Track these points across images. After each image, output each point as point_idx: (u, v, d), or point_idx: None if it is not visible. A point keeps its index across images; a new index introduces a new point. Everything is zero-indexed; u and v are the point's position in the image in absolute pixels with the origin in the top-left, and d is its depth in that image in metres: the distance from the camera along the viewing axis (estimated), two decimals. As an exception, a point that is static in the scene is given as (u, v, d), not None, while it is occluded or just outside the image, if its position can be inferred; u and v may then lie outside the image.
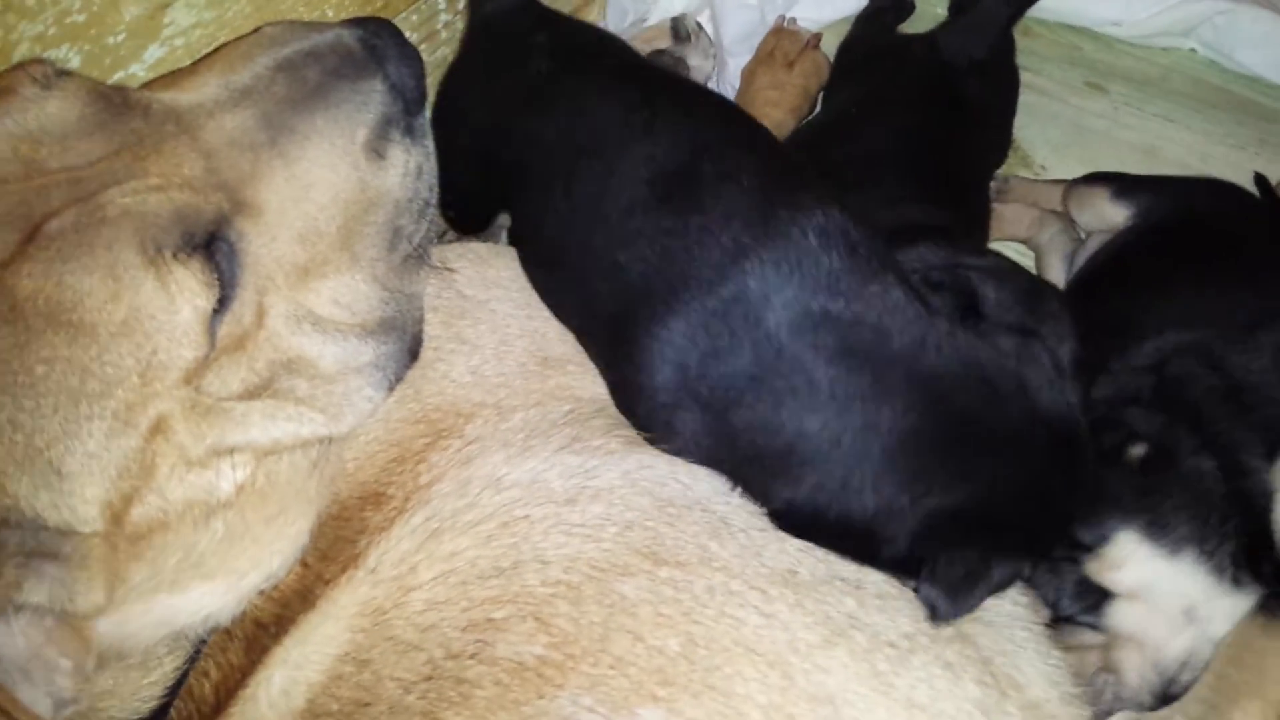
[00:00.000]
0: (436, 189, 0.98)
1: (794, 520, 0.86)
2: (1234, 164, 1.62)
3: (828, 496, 0.84)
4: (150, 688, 0.87)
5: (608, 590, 0.82)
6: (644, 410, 0.90)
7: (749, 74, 1.59)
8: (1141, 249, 1.26)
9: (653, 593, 0.81)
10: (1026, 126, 1.67)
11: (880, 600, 0.86)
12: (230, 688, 0.86)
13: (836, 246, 0.87)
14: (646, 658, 0.79)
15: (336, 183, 0.88)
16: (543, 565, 0.83)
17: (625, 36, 1.62)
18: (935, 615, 0.83)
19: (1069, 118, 1.67)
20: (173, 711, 0.89)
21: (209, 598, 0.85)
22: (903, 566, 0.84)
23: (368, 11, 1.24)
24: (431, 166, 0.96)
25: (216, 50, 0.93)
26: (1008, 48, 1.53)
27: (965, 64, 1.42)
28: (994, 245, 1.45)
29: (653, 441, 0.92)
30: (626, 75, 1.04)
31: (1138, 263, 1.26)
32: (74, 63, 1.01)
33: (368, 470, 0.91)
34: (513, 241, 1.07)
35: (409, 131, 0.93)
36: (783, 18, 1.64)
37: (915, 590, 0.84)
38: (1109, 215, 1.34)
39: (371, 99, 0.90)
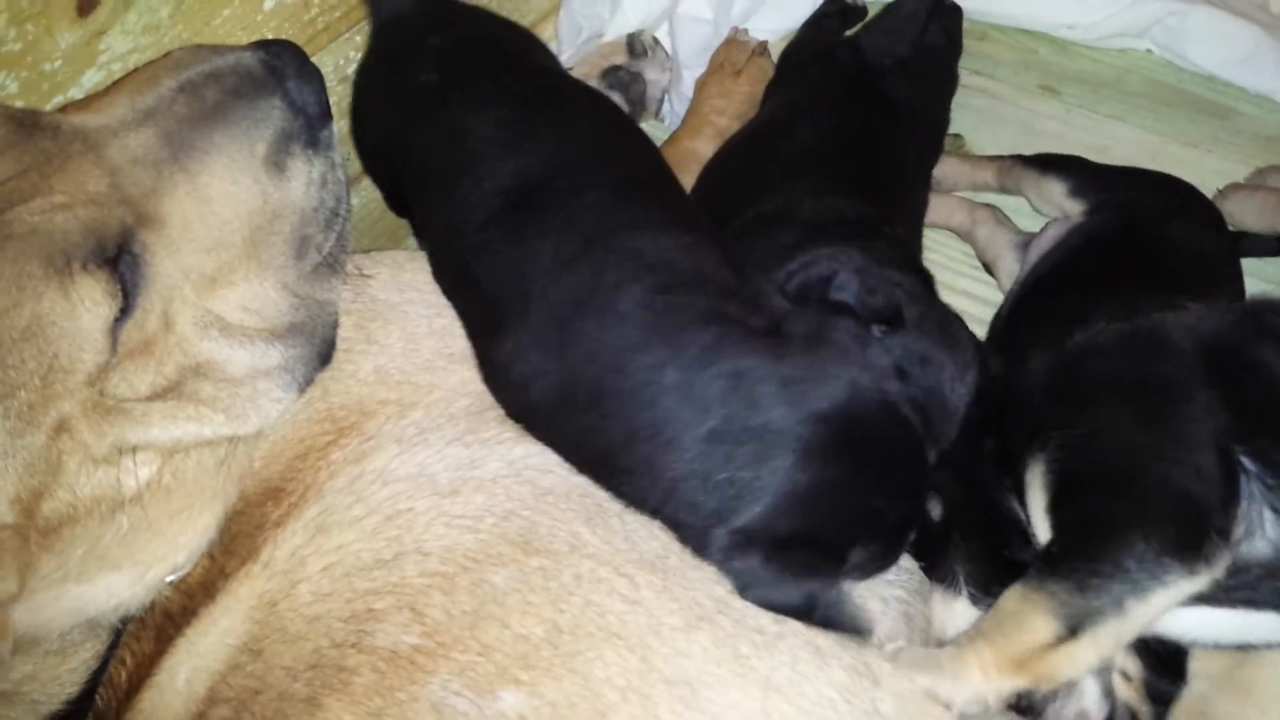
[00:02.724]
0: (346, 199, 1.02)
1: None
2: (1186, 161, 1.63)
3: (669, 512, 0.87)
4: (70, 674, 0.92)
5: (480, 580, 0.85)
6: (507, 411, 0.95)
7: (701, 85, 1.63)
8: (1088, 250, 1.26)
9: (522, 581, 0.85)
10: (978, 129, 1.69)
11: (752, 585, 0.89)
12: (142, 676, 0.92)
13: (653, 276, 0.91)
14: (512, 644, 0.82)
15: (238, 195, 0.93)
16: (422, 557, 0.87)
17: (580, 53, 1.67)
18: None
19: (1021, 120, 1.68)
20: (96, 699, 0.94)
21: (117, 588, 0.90)
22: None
23: (308, 34, 1.29)
24: (337, 177, 1.01)
25: (126, 75, 0.99)
26: (940, 47, 1.55)
27: (889, 64, 1.45)
28: (932, 233, 1.47)
29: None
30: (510, 87, 1.08)
31: (1081, 266, 1.26)
32: (11, 89, 1.06)
33: (273, 468, 0.95)
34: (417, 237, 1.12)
35: (312, 144, 0.98)
36: (735, 29, 1.67)
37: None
38: (1066, 208, 1.35)
39: (270, 115, 0.95)
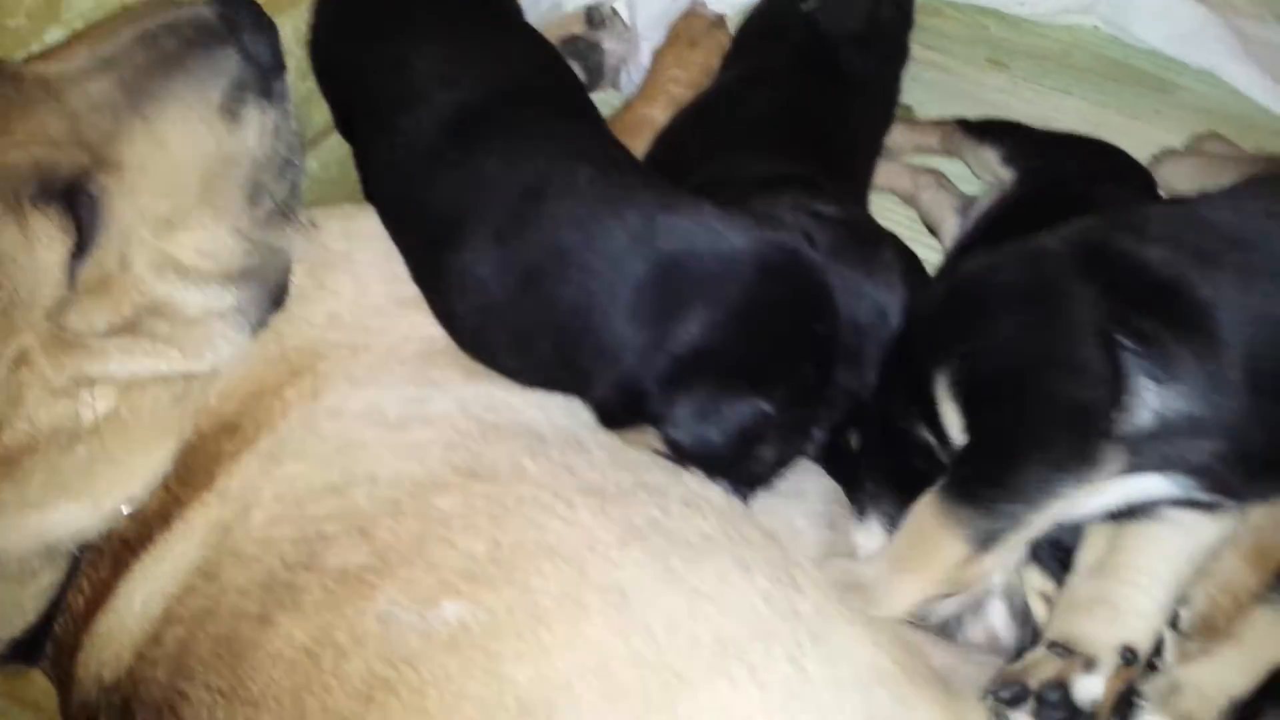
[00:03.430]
0: (299, 149, 1.06)
1: (606, 407, 0.94)
2: (1128, 132, 1.67)
3: (612, 372, 0.91)
4: (30, 600, 0.96)
5: (426, 505, 0.89)
6: (459, 339, 0.99)
7: (658, 55, 1.67)
8: (1017, 213, 1.31)
9: (466, 506, 0.89)
10: (927, 103, 1.74)
11: (685, 507, 0.93)
12: (99, 601, 0.95)
13: (590, 163, 0.98)
14: (455, 561, 0.86)
15: (193, 141, 0.97)
16: (371, 484, 0.91)
17: (540, 22, 1.71)
18: (681, 452, 0.91)
19: (969, 93, 1.72)
20: (55, 626, 0.97)
21: (75, 516, 0.94)
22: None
23: (278, -2, 1.32)
24: (290, 127, 1.04)
25: (87, 27, 1.03)
26: (892, 21, 1.60)
27: (843, 38, 1.50)
28: (879, 198, 1.52)
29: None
30: (448, 21, 1.13)
31: (1010, 227, 1.31)
32: (-24, 45, 1.10)
33: (228, 405, 0.99)
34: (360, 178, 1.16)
35: (265, 94, 1.02)
36: (694, 1, 1.72)
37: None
38: (999, 174, 1.40)
39: (225, 65, 0.99)
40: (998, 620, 1.02)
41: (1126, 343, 0.91)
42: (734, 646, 0.83)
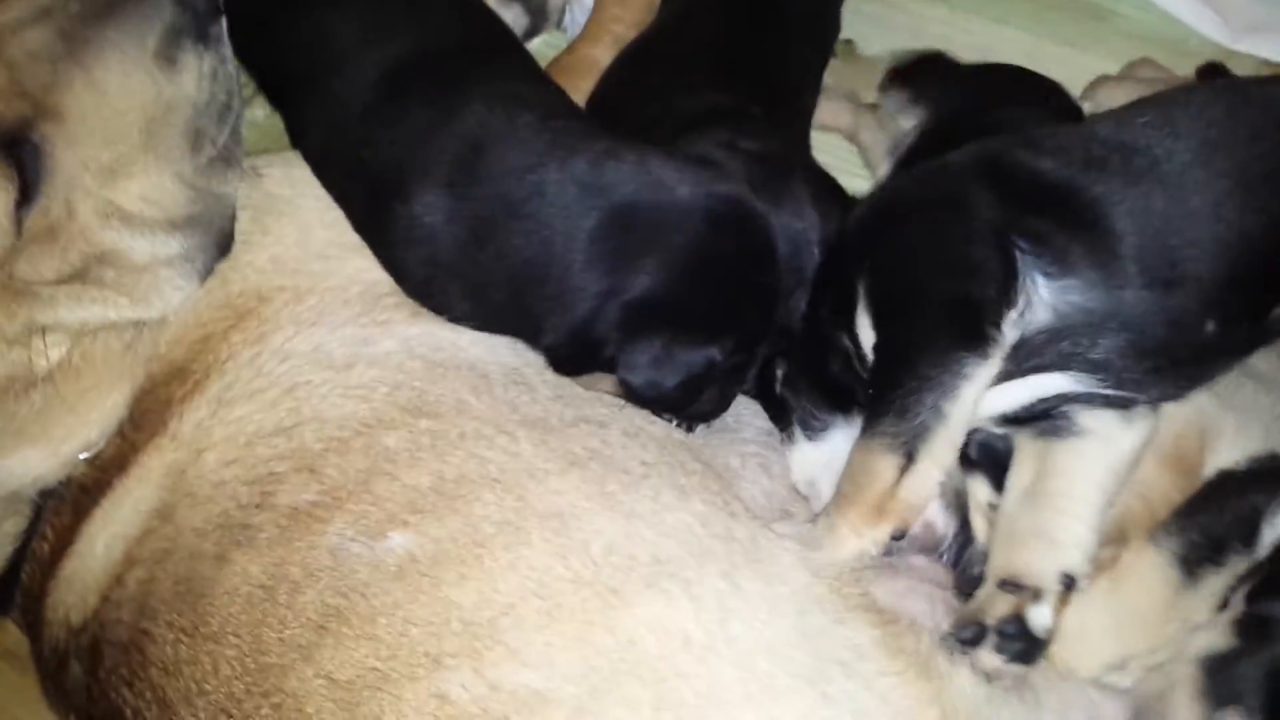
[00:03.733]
0: (238, 94, 1.08)
1: (557, 352, 0.97)
2: (1064, 60, 1.70)
3: (566, 321, 0.94)
4: (-3, 547, 0.99)
5: (373, 442, 0.93)
6: (408, 289, 1.01)
7: (601, -6, 1.68)
8: (931, 145, 1.35)
9: (411, 441, 0.92)
10: (870, 37, 1.75)
11: (626, 438, 0.97)
12: (63, 547, 0.98)
13: (528, 109, 1.01)
14: (401, 494, 0.90)
15: (131, 87, 0.99)
16: (319, 424, 0.94)
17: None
18: (633, 395, 0.95)
19: (910, 26, 1.73)
20: (23, 575, 1.01)
21: (33, 462, 0.97)
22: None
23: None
24: (228, 72, 1.06)
25: (24, -20, 1.03)
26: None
27: None
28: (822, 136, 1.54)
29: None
30: None
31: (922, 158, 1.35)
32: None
33: (177, 351, 1.01)
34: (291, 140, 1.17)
35: (201, 39, 1.03)
36: (634, -60, 1.72)
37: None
38: (913, 114, 1.44)
39: (160, 11, 1.00)
40: (935, 515, 1.06)
41: (1020, 242, 0.96)
42: (670, 565, 0.87)
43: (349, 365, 0.98)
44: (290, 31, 1.12)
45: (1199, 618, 0.96)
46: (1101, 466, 1.00)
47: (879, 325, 0.98)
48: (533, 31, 1.73)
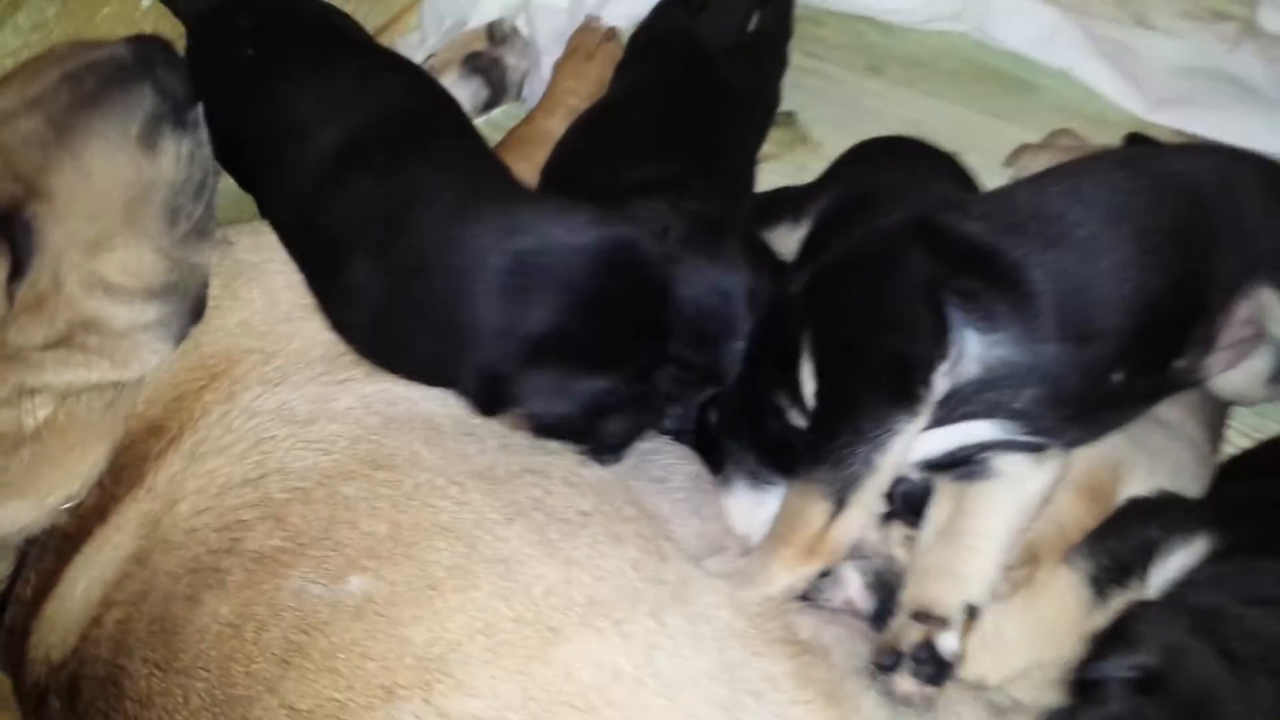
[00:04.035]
0: (212, 173, 1.18)
1: (475, 396, 1.06)
2: (992, 131, 1.82)
3: (474, 361, 1.03)
4: (-19, 591, 1.07)
5: (333, 492, 1.01)
6: (356, 348, 1.11)
7: (556, 67, 1.79)
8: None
9: (369, 491, 1.01)
10: (809, 108, 1.87)
11: (566, 486, 1.06)
12: (45, 590, 1.06)
13: (457, 175, 1.11)
14: (360, 541, 0.98)
15: (115, 170, 1.08)
16: (283, 475, 1.03)
17: (443, 40, 1.82)
18: (539, 427, 1.05)
19: (847, 98, 1.85)
20: (6, 616, 1.09)
21: (21, 512, 1.05)
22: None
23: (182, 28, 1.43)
24: (205, 153, 1.16)
25: (15, 68, 1.13)
26: (771, 32, 1.74)
27: (721, 49, 1.63)
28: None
29: None
30: (321, 59, 1.24)
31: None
32: (-90, 86, 1.19)
33: (154, 409, 1.10)
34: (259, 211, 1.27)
35: (179, 125, 1.13)
36: (589, 15, 1.84)
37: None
38: (796, 239, 1.50)
39: (141, 100, 1.10)
40: (854, 590, 1.15)
41: (952, 299, 1.06)
42: (603, 606, 0.96)
43: (311, 421, 1.06)
44: (254, 107, 1.22)
45: None
46: (1011, 507, 1.10)
47: (821, 377, 1.08)
48: (493, 102, 1.85)
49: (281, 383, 1.09)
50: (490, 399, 1.05)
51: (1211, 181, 1.18)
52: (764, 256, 1.28)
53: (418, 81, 1.30)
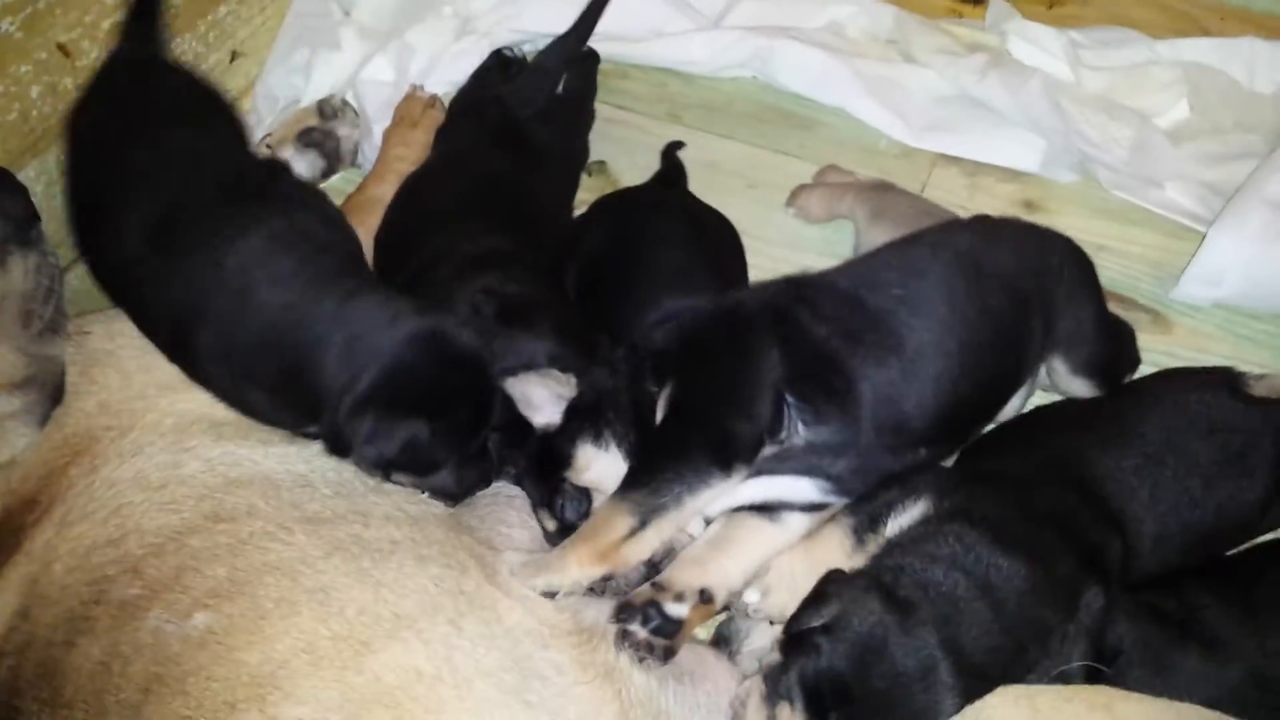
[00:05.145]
0: (59, 278, 1.37)
1: (325, 441, 1.30)
2: (779, 167, 2.08)
3: (320, 415, 1.27)
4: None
5: (182, 545, 1.22)
6: (220, 399, 1.33)
7: (385, 136, 2.00)
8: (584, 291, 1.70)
9: (211, 542, 1.22)
10: (618, 156, 2.11)
11: (384, 521, 1.27)
12: (-59, 647, 1.25)
13: (290, 253, 1.34)
14: (203, 583, 1.19)
15: None
16: (140, 534, 1.23)
17: (278, 119, 2.02)
18: (370, 465, 1.29)
19: (651, 145, 2.08)
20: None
21: None
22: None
23: (28, 140, 1.62)
24: (49, 263, 1.36)
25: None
26: (576, 92, 1.96)
27: (529, 114, 1.84)
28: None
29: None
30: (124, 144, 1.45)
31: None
32: None
33: (27, 485, 1.30)
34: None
35: (25, 243, 1.33)
36: (412, 85, 2.05)
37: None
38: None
39: None
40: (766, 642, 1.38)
41: (790, 399, 1.30)
42: (406, 619, 1.18)
43: (163, 486, 1.27)
44: (82, 192, 1.43)
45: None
46: (774, 545, 1.35)
47: (667, 421, 1.30)
48: (330, 171, 2.05)
49: (137, 454, 1.29)
50: (338, 445, 1.29)
51: (1031, 277, 1.44)
52: (572, 329, 1.50)
53: (227, 154, 1.51)
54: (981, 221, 1.61)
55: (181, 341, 1.34)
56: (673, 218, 1.71)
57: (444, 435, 1.30)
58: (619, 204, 1.80)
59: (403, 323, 1.29)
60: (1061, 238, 1.56)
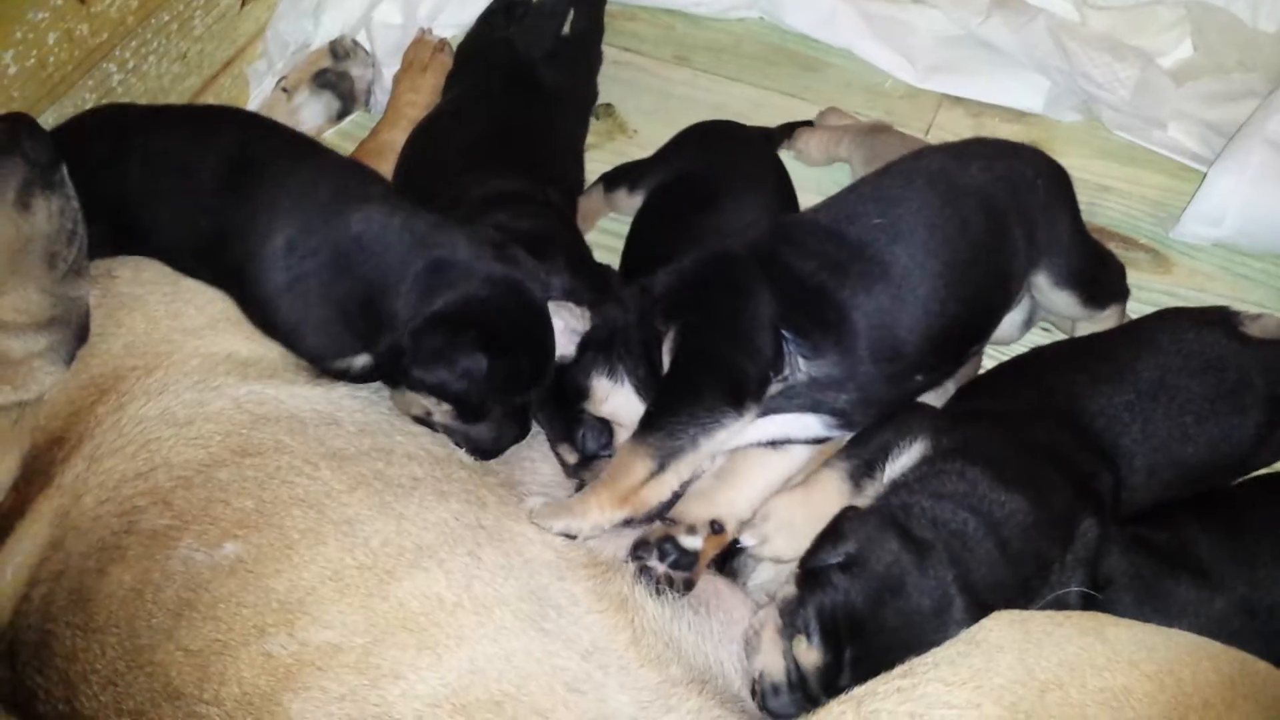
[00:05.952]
0: (81, 220, 1.40)
1: (381, 364, 1.35)
2: (786, 109, 2.09)
3: (387, 336, 1.31)
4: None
5: (210, 478, 1.26)
6: (275, 318, 1.37)
7: (395, 81, 2.02)
8: (655, 213, 1.73)
9: (239, 475, 1.27)
10: (624, 99, 2.12)
11: (406, 459, 1.32)
12: (-23, 580, 1.30)
13: (322, 187, 1.38)
14: (231, 515, 1.24)
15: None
16: (169, 468, 1.28)
17: (290, 63, 2.04)
18: (425, 389, 1.32)
19: (658, 88, 2.11)
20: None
21: None
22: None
23: (46, 87, 1.65)
24: (73, 206, 1.39)
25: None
26: (583, 33, 1.97)
27: (538, 56, 1.86)
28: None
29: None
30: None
31: (656, 221, 1.73)
32: None
33: (55, 422, 1.34)
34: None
35: (49, 186, 1.36)
36: (421, 29, 2.06)
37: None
38: (635, 204, 1.81)
39: (14, 171, 1.32)
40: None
41: (788, 333, 1.34)
42: (428, 550, 1.22)
43: (190, 422, 1.31)
44: (135, 161, 1.46)
45: None
46: (780, 474, 1.39)
47: (675, 366, 1.34)
48: (345, 112, 2.07)
49: (163, 392, 1.33)
50: (390, 370, 1.34)
51: (1005, 189, 1.46)
52: (586, 264, 1.53)
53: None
54: (951, 144, 1.64)
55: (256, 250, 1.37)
56: (770, 165, 1.75)
57: (499, 378, 1.33)
58: (722, 131, 1.83)
59: (488, 262, 1.34)
60: (1034, 151, 1.59)
